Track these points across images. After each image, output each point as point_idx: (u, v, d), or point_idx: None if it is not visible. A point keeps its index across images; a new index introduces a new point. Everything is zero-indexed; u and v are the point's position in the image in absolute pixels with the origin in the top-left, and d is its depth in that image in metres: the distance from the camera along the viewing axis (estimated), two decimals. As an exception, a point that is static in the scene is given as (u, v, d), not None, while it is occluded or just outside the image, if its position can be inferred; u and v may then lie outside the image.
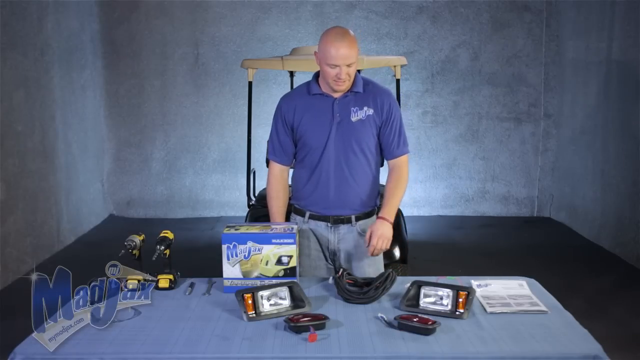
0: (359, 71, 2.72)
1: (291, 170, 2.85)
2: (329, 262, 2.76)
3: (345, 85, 2.58)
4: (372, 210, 2.75)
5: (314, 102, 2.64)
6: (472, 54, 7.29)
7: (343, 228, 2.70)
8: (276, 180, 2.77)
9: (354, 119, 2.61)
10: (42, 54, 5.80)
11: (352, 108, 2.62)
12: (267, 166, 2.81)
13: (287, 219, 2.82)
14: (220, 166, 7.48)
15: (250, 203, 4.65)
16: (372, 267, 2.66)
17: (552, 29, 7.20)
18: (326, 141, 2.61)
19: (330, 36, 2.51)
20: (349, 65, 2.50)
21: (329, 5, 7.21)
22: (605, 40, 6.09)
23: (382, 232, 2.55)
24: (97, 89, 7.18)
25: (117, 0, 7.16)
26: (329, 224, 2.70)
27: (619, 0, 5.86)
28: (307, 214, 2.72)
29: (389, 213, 2.61)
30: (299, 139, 2.68)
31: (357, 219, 2.70)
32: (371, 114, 2.63)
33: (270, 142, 2.77)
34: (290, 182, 2.85)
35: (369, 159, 2.68)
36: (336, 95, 2.63)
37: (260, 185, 4.90)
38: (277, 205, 2.75)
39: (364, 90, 2.65)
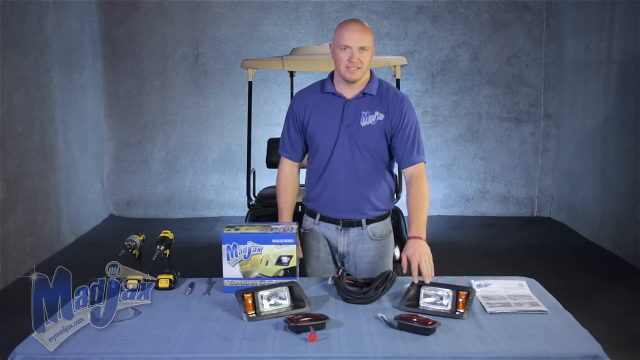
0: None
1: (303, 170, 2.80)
2: (339, 265, 2.69)
3: (357, 75, 2.48)
4: (384, 214, 2.69)
5: (325, 102, 2.58)
6: (472, 54, 7.29)
7: (353, 231, 2.65)
8: (285, 176, 2.72)
9: (363, 123, 2.53)
10: (42, 54, 5.80)
11: (363, 112, 2.54)
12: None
13: (295, 218, 2.76)
14: (220, 166, 7.48)
15: (250, 203, 4.64)
16: (381, 272, 2.58)
17: (552, 29, 7.21)
18: (334, 143, 2.55)
19: (344, 22, 2.51)
20: (362, 50, 2.44)
21: (329, 5, 7.21)
22: (605, 40, 6.09)
23: (419, 253, 2.37)
24: (97, 89, 7.18)
25: (117, 0, 7.17)
26: (339, 227, 2.65)
27: (619, 0, 5.86)
28: (318, 216, 2.67)
29: (418, 230, 2.46)
30: (308, 138, 2.63)
31: (368, 222, 2.65)
32: (382, 119, 2.53)
33: (281, 137, 2.72)
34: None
35: (379, 164, 2.60)
36: (348, 96, 2.55)
37: (260, 185, 4.90)
38: (285, 201, 2.70)
39: (378, 92, 2.57)
